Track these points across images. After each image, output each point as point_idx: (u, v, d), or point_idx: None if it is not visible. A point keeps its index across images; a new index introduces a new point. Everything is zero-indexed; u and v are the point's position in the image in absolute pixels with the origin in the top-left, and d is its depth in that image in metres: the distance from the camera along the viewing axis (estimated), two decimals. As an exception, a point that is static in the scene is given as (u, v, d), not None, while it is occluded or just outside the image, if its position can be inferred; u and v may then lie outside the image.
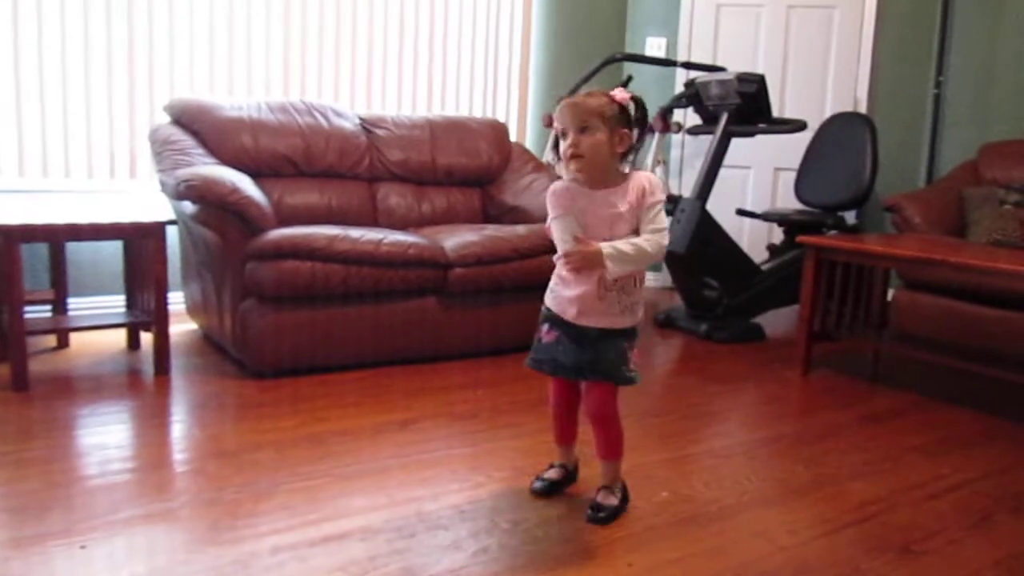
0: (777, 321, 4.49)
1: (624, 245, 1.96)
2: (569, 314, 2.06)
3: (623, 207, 1.99)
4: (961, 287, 3.52)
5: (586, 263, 1.96)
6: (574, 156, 1.97)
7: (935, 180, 4.77)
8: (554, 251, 2.09)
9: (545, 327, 2.13)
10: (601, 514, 2.13)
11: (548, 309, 2.13)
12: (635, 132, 2.01)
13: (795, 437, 2.85)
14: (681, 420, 2.99)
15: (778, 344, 4.16)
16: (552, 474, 2.32)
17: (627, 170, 2.05)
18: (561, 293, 2.08)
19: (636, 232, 2.01)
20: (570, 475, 2.34)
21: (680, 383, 3.51)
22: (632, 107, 1.99)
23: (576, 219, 2.02)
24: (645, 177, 2.03)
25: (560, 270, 2.08)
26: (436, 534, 2.03)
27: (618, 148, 1.99)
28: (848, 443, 2.81)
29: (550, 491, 2.28)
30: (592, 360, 2.07)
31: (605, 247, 1.94)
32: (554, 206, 2.05)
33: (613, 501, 2.17)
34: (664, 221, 2.02)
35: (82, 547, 1.89)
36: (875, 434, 2.92)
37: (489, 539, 2.01)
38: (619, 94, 1.98)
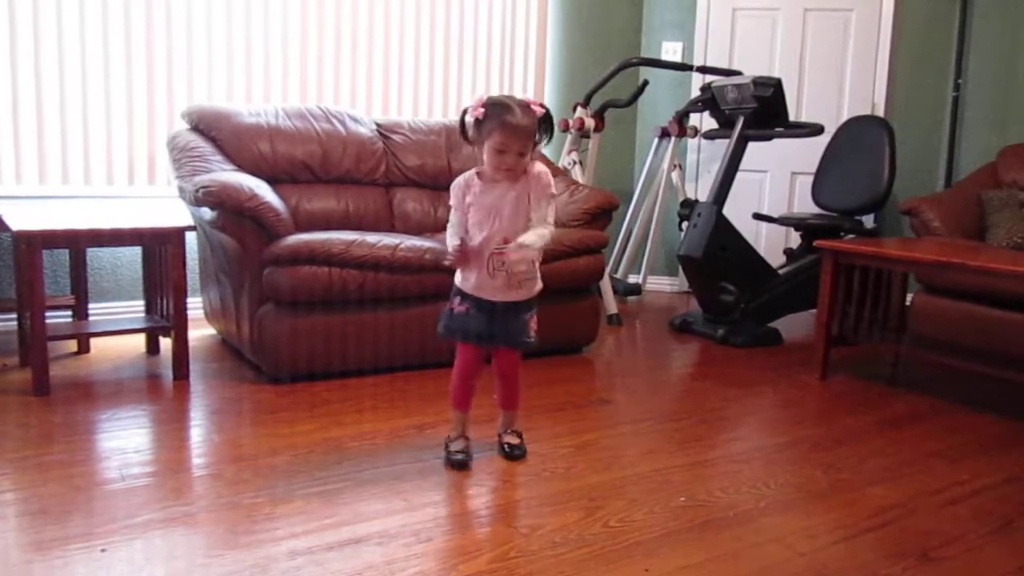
0: (794, 325, 4.46)
1: (534, 237, 2.26)
2: (474, 290, 2.38)
3: (522, 197, 2.31)
4: (980, 291, 3.49)
5: (462, 262, 2.35)
6: (509, 169, 2.25)
7: (954, 183, 4.74)
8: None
9: (456, 300, 2.44)
10: (517, 452, 2.54)
11: (457, 287, 2.44)
12: (542, 141, 2.32)
13: (813, 442, 2.84)
14: (698, 425, 2.98)
15: (796, 348, 4.14)
16: (464, 445, 2.51)
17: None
18: (466, 275, 2.40)
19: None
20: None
21: (697, 388, 3.49)
22: (545, 120, 2.29)
23: (483, 207, 2.32)
24: (540, 171, 2.31)
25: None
26: (453, 539, 2.03)
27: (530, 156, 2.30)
28: (867, 448, 2.79)
29: (469, 462, 2.47)
30: (502, 329, 2.40)
31: (525, 239, 2.25)
32: (454, 198, 2.39)
33: (520, 439, 2.59)
34: (551, 214, 2.35)
35: (102, 551, 1.90)
36: (894, 439, 2.90)
37: (506, 544, 2.01)
38: (538, 109, 2.26)
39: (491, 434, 2.63)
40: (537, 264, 2.39)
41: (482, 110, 2.24)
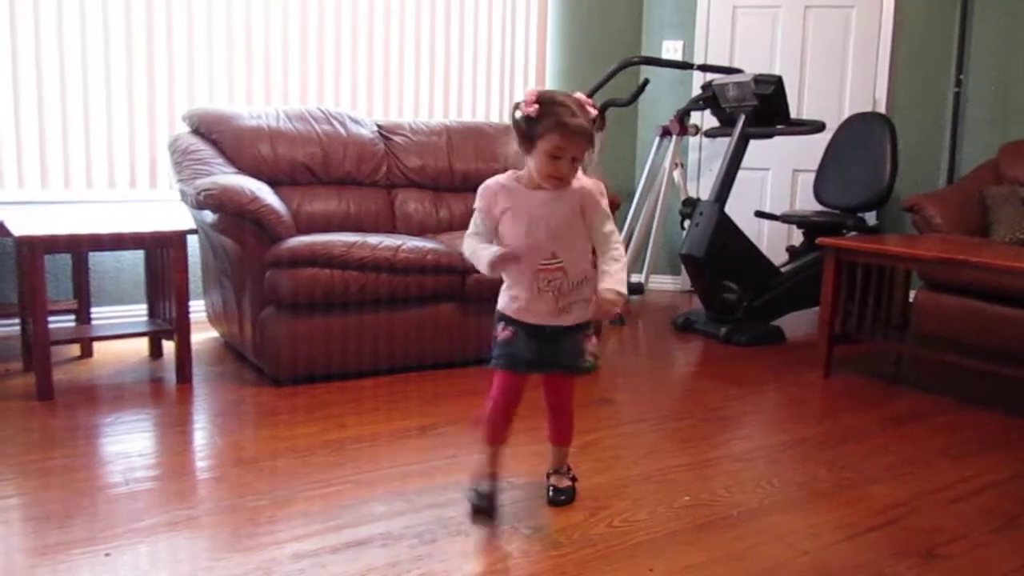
0: (797, 324, 4.46)
1: (614, 273, 2.01)
2: (518, 313, 2.09)
3: (573, 209, 2.03)
4: (983, 287, 3.48)
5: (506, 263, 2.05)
6: (561, 178, 1.97)
7: (955, 180, 4.73)
8: None
9: (500, 326, 2.13)
10: (561, 496, 2.25)
11: (500, 311, 2.13)
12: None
13: (817, 440, 2.83)
14: (701, 424, 2.98)
15: (798, 347, 4.13)
16: (486, 486, 2.15)
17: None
18: (511, 297, 2.10)
19: (582, 231, 2.05)
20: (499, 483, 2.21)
21: (700, 386, 3.49)
22: (596, 123, 2.01)
23: (523, 214, 2.02)
24: (590, 181, 2.05)
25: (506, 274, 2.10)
26: (457, 540, 2.03)
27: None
28: (870, 446, 2.79)
29: (493, 505, 2.13)
30: (552, 354, 2.10)
31: (617, 286, 1.99)
32: (483, 201, 2.10)
33: (568, 481, 2.29)
34: (614, 228, 2.08)
35: (106, 555, 1.91)
36: (897, 437, 2.89)
37: (510, 545, 2.01)
38: (594, 110, 1.99)
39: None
40: (586, 282, 2.08)
41: (536, 107, 1.93)
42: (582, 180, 2.02)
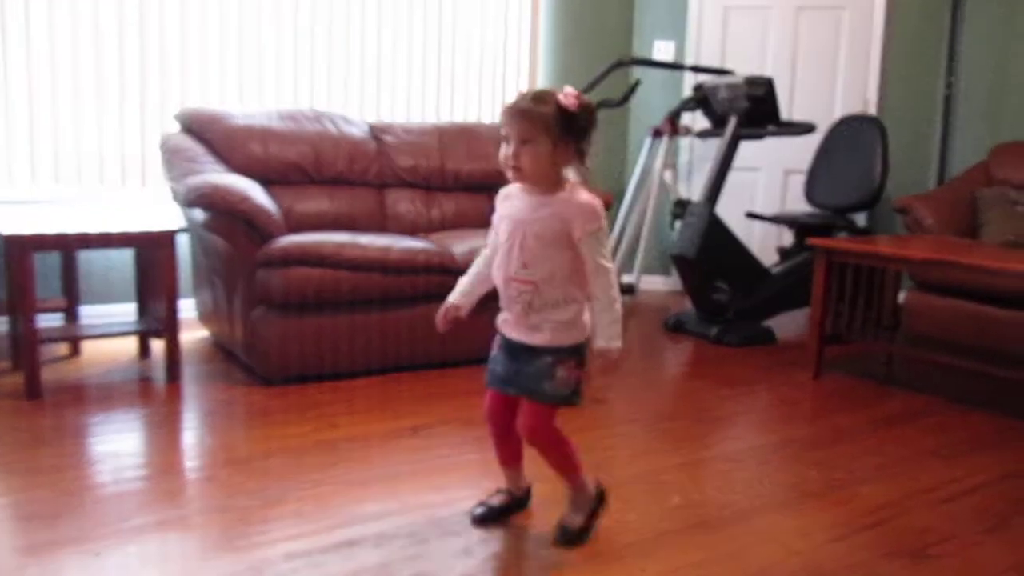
0: (788, 324, 4.47)
1: (607, 326, 1.89)
2: (500, 324, 2.03)
3: (557, 222, 1.87)
4: (973, 288, 3.50)
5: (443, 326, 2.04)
6: (514, 168, 1.86)
7: (946, 181, 4.75)
8: None
9: (496, 338, 2.06)
10: (562, 536, 2.02)
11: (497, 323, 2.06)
12: (582, 139, 1.87)
13: (807, 441, 2.84)
14: (692, 424, 2.98)
15: (789, 347, 4.14)
16: (494, 500, 2.16)
17: (570, 178, 1.91)
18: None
19: (569, 248, 1.89)
20: (517, 502, 2.17)
21: (691, 387, 3.49)
22: (581, 114, 1.85)
23: (509, 217, 1.94)
24: (585, 199, 1.88)
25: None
26: (448, 540, 2.02)
27: (560, 158, 1.86)
28: (861, 446, 2.79)
29: (489, 519, 2.11)
30: (516, 372, 1.97)
31: (604, 340, 1.89)
32: (495, 213, 2.03)
33: (576, 521, 2.04)
34: (606, 258, 1.90)
35: (96, 555, 1.89)
36: (888, 437, 2.90)
37: (501, 544, 2.01)
38: (567, 99, 1.84)
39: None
40: (565, 305, 1.92)
41: None
42: (582, 196, 1.89)
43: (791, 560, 1.99)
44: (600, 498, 2.10)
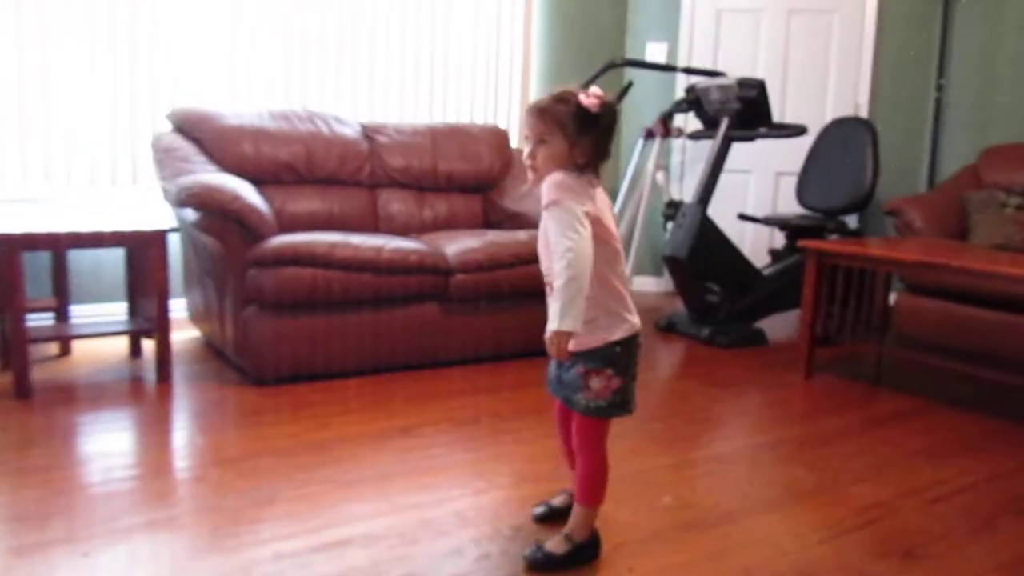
0: (779, 325, 4.48)
1: (552, 305, 1.79)
2: None
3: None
4: (963, 291, 3.51)
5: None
6: (531, 167, 1.86)
7: (936, 184, 4.77)
8: None
9: None
10: (530, 556, 1.92)
11: None
12: (601, 141, 1.84)
13: (798, 441, 2.85)
14: (683, 425, 2.99)
15: (780, 348, 4.16)
16: (556, 500, 2.17)
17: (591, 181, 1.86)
18: None
19: None
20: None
21: (682, 388, 3.50)
22: (603, 115, 1.83)
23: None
24: (550, 176, 1.83)
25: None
26: (438, 540, 2.02)
27: (579, 159, 1.83)
28: (851, 447, 2.80)
29: (549, 518, 2.12)
30: (558, 378, 1.96)
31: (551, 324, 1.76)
32: None
33: (558, 550, 1.92)
34: (562, 233, 1.76)
35: (85, 555, 1.89)
36: (878, 438, 2.91)
37: (491, 545, 2.01)
38: (589, 99, 1.82)
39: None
40: (591, 307, 1.83)
41: None
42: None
43: (781, 560, 2.00)
44: (593, 546, 1.97)
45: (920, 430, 3.02)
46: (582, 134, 1.82)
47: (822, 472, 2.57)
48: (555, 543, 1.93)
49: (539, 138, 1.84)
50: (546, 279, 1.89)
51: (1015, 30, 4.53)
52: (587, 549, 1.96)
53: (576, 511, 1.96)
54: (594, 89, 1.85)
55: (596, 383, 1.88)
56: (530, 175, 1.89)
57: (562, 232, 1.77)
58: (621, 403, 1.92)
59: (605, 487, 1.96)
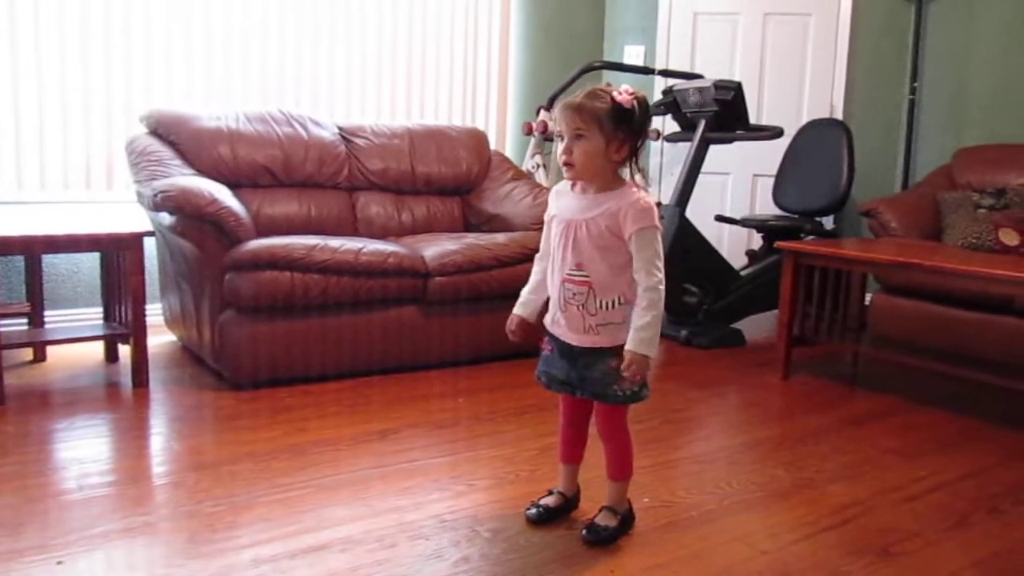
0: (757, 326, 4.51)
1: (639, 329, 1.90)
2: (551, 326, 2.05)
3: (609, 220, 1.90)
4: (937, 290, 3.55)
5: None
6: (566, 163, 1.90)
7: (911, 185, 4.82)
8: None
9: (545, 339, 2.09)
10: (593, 536, 2.04)
11: (544, 323, 2.09)
12: (638, 137, 1.90)
13: (775, 441, 2.87)
14: (662, 426, 3.00)
15: (758, 349, 4.18)
16: (548, 500, 2.18)
17: (628, 178, 1.94)
18: (550, 308, 2.05)
19: (622, 248, 1.91)
20: (569, 503, 2.19)
21: (660, 388, 3.51)
22: (637, 110, 1.87)
23: (562, 217, 1.97)
24: (638, 198, 1.90)
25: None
26: (417, 544, 2.02)
27: (615, 156, 1.89)
28: (828, 446, 2.83)
29: (544, 519, 2.14)
30: (580, 378, 2.01)
31: (641, 348, 1.89)
32: (546, 213, 2.06)
33: (612, 523, 2.07)
34: (655, 259, 1.92)
35: (59, 563, 1.87)
36: (854, 437, 2.94)
37: (470, 548, 2.01)
38: (622, 96, 1.87)
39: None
40: (620, 306, 1.95)
41: None
42: (637, 195, 1.90)
43: (758, 559, 2.01)
44: (632, 515, 2.13)
45: (896, 429, 3.04)
46: (618, 130, 1.87)
47: (799, 472, 2.59)
48: (606, 517, 2.07)
49: (576, 133, 1.87)
50: (581, 278, 1.94)
51: (987, 33, 4.58)
52: (630, 517, 2.12)
53: (613, 487, 2.09)
54: (625, 86, 1.90)
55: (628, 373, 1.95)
56: (565, 171, 1.93)
57: (653, 262, 1.91)
58: (647, 384, 2.04)
59: (633, 460, 2.11)
